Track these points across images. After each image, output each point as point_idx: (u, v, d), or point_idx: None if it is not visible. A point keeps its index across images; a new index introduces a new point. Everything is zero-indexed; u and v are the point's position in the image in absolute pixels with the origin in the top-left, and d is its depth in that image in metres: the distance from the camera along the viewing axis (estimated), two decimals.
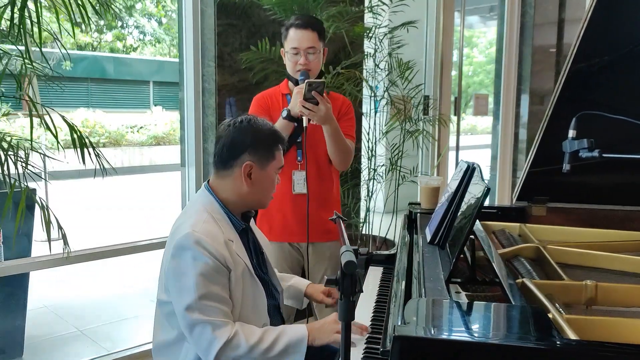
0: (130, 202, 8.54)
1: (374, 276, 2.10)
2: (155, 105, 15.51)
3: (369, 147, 3.37)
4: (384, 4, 3.03)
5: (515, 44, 5.23)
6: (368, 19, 3.18)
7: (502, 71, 5.27)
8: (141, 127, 12.38)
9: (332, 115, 2.13)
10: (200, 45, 3.13)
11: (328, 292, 1.86)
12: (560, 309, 1.28)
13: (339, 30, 2.99)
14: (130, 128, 12.23)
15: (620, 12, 1.54)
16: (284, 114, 2.16)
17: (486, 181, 1.47)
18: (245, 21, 3.19)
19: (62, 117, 1.96)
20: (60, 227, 1.96)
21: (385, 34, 3.14)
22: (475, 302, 1.21)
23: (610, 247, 1.85)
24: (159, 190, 9.43)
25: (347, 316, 0.91)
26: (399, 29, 3.15)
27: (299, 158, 2.28)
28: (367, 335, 1.56)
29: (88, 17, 2.04)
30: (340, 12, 2.96)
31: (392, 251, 2.23)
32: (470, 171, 1.65)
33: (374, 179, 3.31)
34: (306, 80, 2.08)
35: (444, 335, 0.96)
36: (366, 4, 3.24)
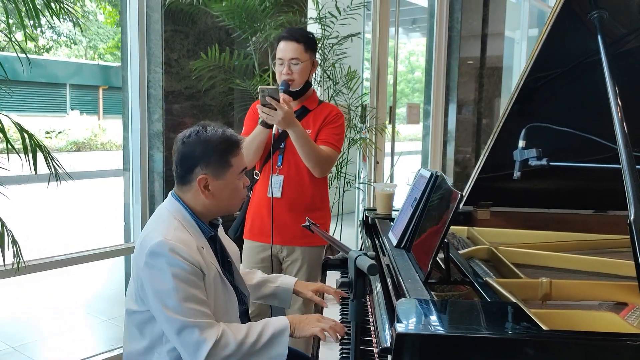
0: (61, 210, 8.12)
1: (333, 281, 2.17)
2: (72, 109, 14.83)
3: None
4: (332, 16, 3.13)
5: (444, 56, 5.51)
6: (318, 29, 3.26)
7: (431, 82, 5.53)
8: (59, 132, 11.80)
9: (292, 119, 2.20)
10: (146, 50, 3.09)
11: (317, 290, 1.90)
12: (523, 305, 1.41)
13: None
14: (47, 133, 11.62)
15: (576, 27, 1.69)
16: (260, 120, 2.26)
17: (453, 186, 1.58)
18: (192, 27, 3.18)
19: (18, 124, 1.88)
20: (14, 241, 1.87)
21: (333, 45, 3.23)
22: (461, 300, 1.31)
23: (552, 247, 2.02)
24: (90, 197, 9.01)
25: (358, 317, 0.97)
26: (345, 40, 3.25)
27: (279, 163, 2.35)
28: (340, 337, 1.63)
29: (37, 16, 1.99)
30: (288, 22, 3.02)
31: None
32: (434, 179, 1.75)
33: None
34: (259, 87, 2.17)
35: (444, 332, 1.05)
36: (312, 14, 3.32)
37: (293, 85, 2.33)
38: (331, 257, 2.56)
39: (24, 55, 1.91)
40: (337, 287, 0.99)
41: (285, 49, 2.33)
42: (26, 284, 4.54)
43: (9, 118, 1.91)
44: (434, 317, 1.14)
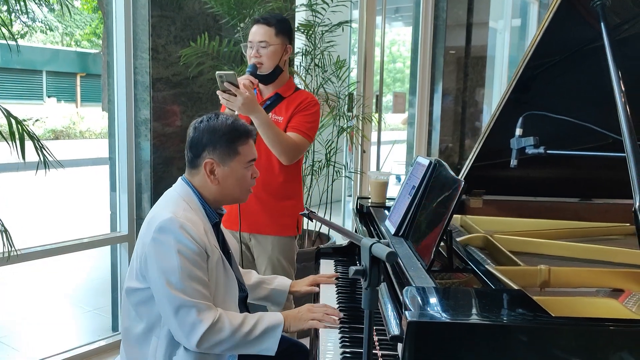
0: (41, 199, 7.98)
1: (327, 269, 2.17)
2: (49, 97, 14.55)
3: None
4: (324, 2, 3.09)
5: (429, 45, 5.51)
6: (309, 16, 3.23)
7: (417, 71, 5.53)
8: (37, 120, 11.56)
9: (253, 105, 2.12)
10: (132, 36, 3.02)
11: (310, 284, 1.91)
12: None
13: None
14: (24, 121, 11.36)
15: (574, 16, 1.70)
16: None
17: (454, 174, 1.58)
18: (179, 13, 3.12)
19: (5, 110, 1.83)
20: (5, 230, 1.83)
21: (324, 33, 3.21)
22: (468, 288, 1.31)
23: (545, 235, 2.04)
24: (70, 186, 8.86)
25: (372, 305, 0.96)
26: (336, 28, 3.22)
27: None
28: (340, 325, 1.64)
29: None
30: (278, 8, 2.98)
31: (344, 243, 2.33)
32: (433, 167, 1.75)
33: (312, 174, 3.37)
34: (216, 73, 2.09)
35: (456, 319, 1.04)
36: (301, 1, 3.29)
37: (261, 69, 2.26)
38: (322, 245, 2.56)
39: (11, 41, 1.84)
40: (350, 276, 0.98)
41: (255, 32, 2.28)
42: (8, 274, 4.45)
43: None
44: (443, 305, 1.13)
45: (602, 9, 1.45)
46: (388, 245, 0.96)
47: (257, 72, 2.26)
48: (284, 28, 2.32)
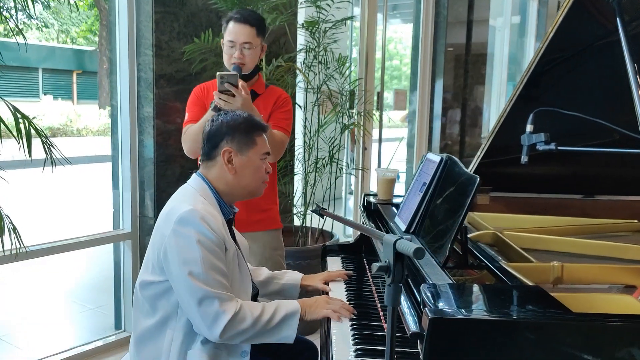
0: (40, 196, 7.94)
1: (334, 267, 2.17)
2: (45, 94, 14.48)
3: (309, 138, 3.41)
4: None
5: (430, 42, 5.49)
6: (312, 13, 3.21)
7: (417, 68, 5.52)
8: (33, 118, 11.50)
9: (250, 106, 2.13)
10: (136, 32, 3.00)
11: (324, 280, 1.93)
12: None
13: (282, 23, 2.99)
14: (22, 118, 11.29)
15: (584, 15, 1.69)
16: (211, 105, 2.16)
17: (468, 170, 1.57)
18: (182, 9, 3.10)
19: (15, 107, 1.81)
20: (14, 228, 1.81)
21: (327, 29, 3.19)
22: (485, 284, 1.30)
23: (554, 232, 2.04)
24: (71, 184, 8.80)
25: (395, 301, 0.95)
26: (341, 24, 3.21)
27: None
28: (351, 322, 1.63)
29: None
30: (283, 4, 2.97)
31: (350, 240, 2.33)
32: (444, 163, 1.74)
33: (315, 171, 3.36)
34: (217, 73, 2.09)
35: (477, 316, 1.04)
36: None
37: (244, 69, 2.27)
38: (327, 243, 2.55)
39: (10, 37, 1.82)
40: (373, 272, 0.97)
41: (238, 32, 2.25)
42: (10, 272, 4.42)
43: (5, 101, 1.84)
44: (463, 302, 1.13)
45: (619, 4, 1.45)
46: (410, 241, 0.95)
47: (241, 73, 2.24)
48: (263, 27, 2.34)
